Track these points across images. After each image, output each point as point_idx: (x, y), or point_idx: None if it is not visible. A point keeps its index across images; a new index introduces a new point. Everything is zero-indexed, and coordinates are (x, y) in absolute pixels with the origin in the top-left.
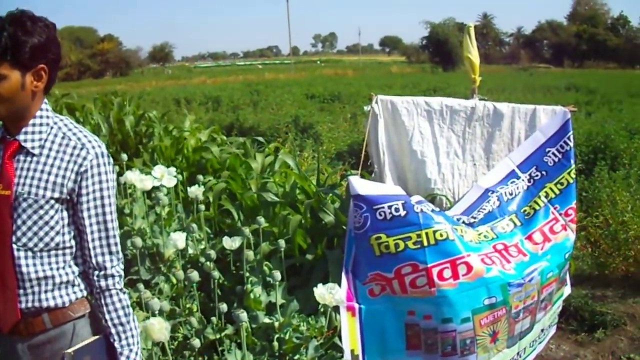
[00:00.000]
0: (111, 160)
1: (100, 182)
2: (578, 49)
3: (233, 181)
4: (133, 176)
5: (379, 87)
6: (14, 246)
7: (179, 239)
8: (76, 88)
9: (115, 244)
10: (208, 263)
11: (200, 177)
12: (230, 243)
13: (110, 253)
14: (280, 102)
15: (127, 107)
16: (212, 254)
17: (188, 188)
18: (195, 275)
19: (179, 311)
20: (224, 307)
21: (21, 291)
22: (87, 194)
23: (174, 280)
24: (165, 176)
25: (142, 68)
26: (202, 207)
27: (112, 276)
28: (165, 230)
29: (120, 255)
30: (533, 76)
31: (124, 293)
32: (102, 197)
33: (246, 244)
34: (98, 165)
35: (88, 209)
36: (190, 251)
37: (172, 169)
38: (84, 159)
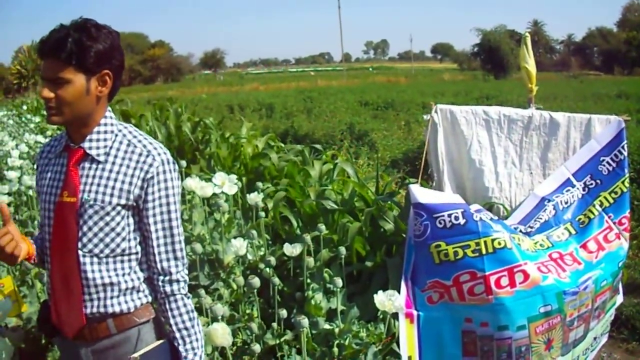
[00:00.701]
0: (176, 167)
1: (167, 188)
2: (628, 55)
3: (292, 189)
4: (193, 183)
5: (432, 95)
6: (80, 252)
7: (239, 245)
8: (127, 94)
9: (181, 250)
10: (267, 269)
11: (259, 184)
12: (291, 250)
13: (176, 258)
14: (334, 109)
15: (183, 113)
16: (272, 260)
17: (248, 195)
18: (256, 281)
19: (238, 317)
20: (283, 313)
21: (86, 297)
22: (153, 200)
23: (234, 286)
24: (226, 183)
25: (193, 74)
26: (262, 214)
27: (177, 281)
28: (224, 236)
29: (185, 260)
30: (583, 83)
31: (189, 298)
32: (168, 204)
33: (306, 251)
34: (164, 172)
35: (154, 215)
36: (250, 257)
37: (233, 176)
38: (150, 165)
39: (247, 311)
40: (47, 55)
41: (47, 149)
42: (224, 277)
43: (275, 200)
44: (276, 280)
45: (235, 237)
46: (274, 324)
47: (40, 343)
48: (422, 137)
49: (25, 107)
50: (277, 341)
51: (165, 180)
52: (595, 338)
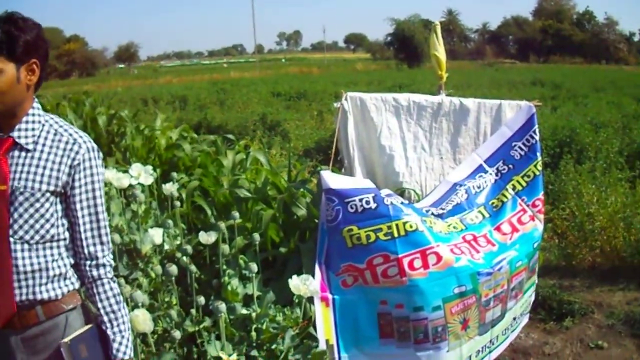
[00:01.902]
0: (101, 155)
1: (92, 175)
2: (544, 44)
3: (205, 178)
4: (110, 175)
5: (345, 85)
6: (11, 239)
7: (156, 234)
8: (43, 89)
9: (106, 234)
10: (184, 258)
11: (174, 174)
12: (207, 238)
13: (102, 243)
14: (247, 100)
15: (98, 106)
16: (189, 249)
17: (163, 185)
18: (174, 269)
19: (157, 305)
20: (201, 300)
21: (16, 284)
22: (80, 186)
23: (153, 275)
24: (142, 174)
25: (108, 68)
26: (178, 203)
27: (104, 265)
28: (142, 226)
29: (111, 245)
30: (499, 72)
31: (115, 282)
32: (93, 190)
33: (221, 239)
34: (90, 159)
35: (80, 201)
36: (167, 247)
37: (149, 167)
38: (77, 153)
39: (166, 299)
40: None
41: None
42: (142, 267)
43: (189, 190)
44: (193, 268)
45: (152, 227)
46: (193, 311)
47: None
48: (334, 127)
49: None
50: (197, 328)
51: (91, 167)
52: (514, 318)
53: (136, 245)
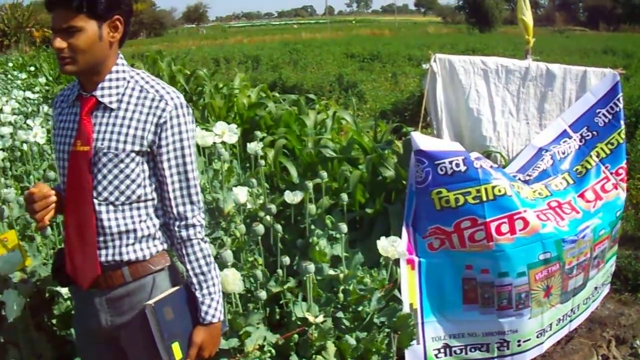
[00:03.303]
0: (190, 110)
1: (180, 132)
2: (614, 12)
3: (291, 137)
4: None
5: (418, 47)
6: (95, 201)
7: (240, 193)
8: None
9: (197, 194)
10: (268, 217)
11: (258, 133)
12: (292, 197)
13: (192, 203)
14: (320, 61)
15: (173, 65)
16: (273, 208)
17: (248, 144)
18: (260, 228)
19: (240, 265)
20: (286, 260)
21: (102, 245)
22: (167, 144)
23: (238, 234)
24: (226, 132)
25: (176, 28)
26: (262, 162)
27: (194, 226)
28: (225, 185)
29: (202, 204)
30: (569, 39)
31: (205, 242)
32: (182, 148)
33: (308, 199)
34: (177, 116)
35: (168, 160)
36: (249, 206)
37: (233, 126)
38: (163, 110)
39: (250, 259)
40: (56, 5)
41: (60, 99)
42: (225, 226)
43: (276, 149)
44: (278, 227)
45: (235, 186)
46: (279, 271)
47: (44, 296)
48: (410, 89)
49: (10, 64)
50: (281, 288)
51: (179, 125)
52: (596, 288)
53: (218, 204)
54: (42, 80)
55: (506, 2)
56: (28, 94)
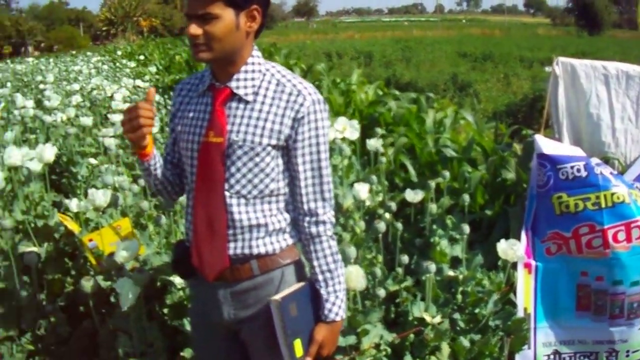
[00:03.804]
0: (326, 107)
1: (317, 128)
2: None
3: (411, 135)
4: None
5: (529, 49)
6: (227, 194)
7: (361, 189)
8: None
9: (329, 191)
10: (387, 215)
11: (379, 130)
12: (413, 196)
13: (323, 199)
14: (433, 59)
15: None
16: (393, 205)
17: (368, 141)
18: (382, 226)
19: (358, 261)
20: (405, 258)
21: (231, 238)
22: (303, 140)
23: (358, 230)
24: (347, 128)
25: (286, 22)
26: (383, 159)
27: (324, 222)
28: (345, 181)
29: (332, 202)
30: None
31: (333, 240)
32: (317, 144)
33: (429, 198)
34: (315, 112)
35: (303, 155)
36: (368, 203)
37: (354, 122)
38: (301, 105)
39: (368, 256)
40: None
41: (186, 87)
42: (343, 222)
43: (397, 147)
44: (399, 225)
45: (353, 183)
46: (399, 269)
47: (156, 285)
48: (523, 91)
49: (119, 53)
50: (398, 287)
51: (316, 120)
52: None
53: (337, 200)
54: (152, 69)
55: (614, 4)
56: (138, 82)
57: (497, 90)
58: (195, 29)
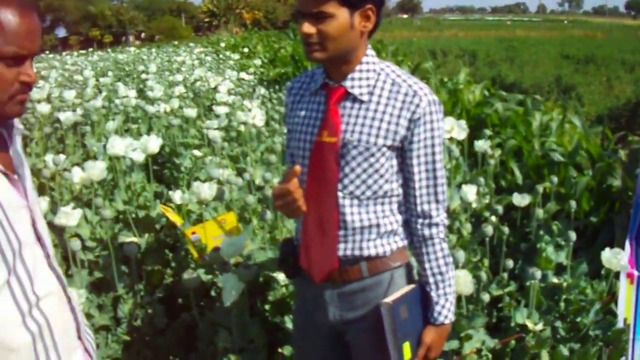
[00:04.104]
0: (441, 107)
1: (432, 129)
2: None
3: (518, 138)
4: None
5: (631, 52)
6: (340, 194)
7: (469, 192)
8: None
9: (442, 193)
10: (493, 218)
11: (486, 131)
12: (520, 200)
13: (437, 201)
14: (537, 60)
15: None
16: (499, 209)
17: (476, 142)
18: (489, 229)
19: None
20: (509, 263)
21: (341, 239)
22: (419, 141)
23: (464, 233)
24: (455, 128)
25: (390, 17)
26: (492, 161)
27: (437, 225)
28: (452, 182)
29: (446, 204)
30: None
31: (445, 242)
32: (432, 145)
33: (536, 203)
34: (430, 113)
35: (418, 157)
36: (474, 205)
37: (462, 122)
38: (417, 106)
39: (473, 259)
40: None
41: (297, 85)
42: (449, 223)
43: (507, 149)
44: (505, 229)
45: (460, 184)
46: (504, 274)
47: (259, 281)
48: (626, 95)
49: (222, 45)
50: (502, 292)
51: (432, 122)
52: None
53: None
54: (257, 62)
55: None
56: (242, 74)
57: (600, 94)
58: (308, 28)
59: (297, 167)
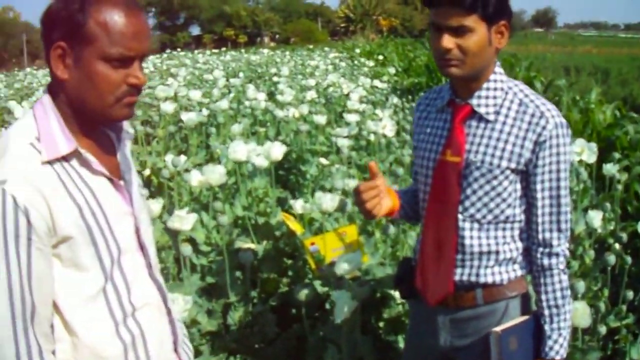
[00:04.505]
0: (569, 131)
1: (558, 154)
2: None
3: None
4: None
5: None
6: (460, 217)
7: (596, 217)
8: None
9: (566, 221)
10: (617, 245)
11: (615, 154)
12: None
13: (559, 230)
14: None
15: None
16: (624, 236)
17: (604, 165)
18: (612, 258)
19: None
20: (630, 294)
21: (459, 263)
22: (544, 165)
23: (587, 260)
24: (585, 151)
25: (525, 31)
26: (619, 187)
27: (557, 255)
28: (579, 205)
29: (568, 233)
30: None
31: (565, 274)
32: (558, 170)
33: None
34: (557, 136)
35: (542, 182)
36: (599, 231)
37: (593, 145)
38: (544, 128)
39: (594, 287)
40: (445, 2)
41: (425, 101)
42: (571, 248)
43: (634, 174)
44: (628, 258)
45: (586, 208)
46: (623, 306)
47: (375, 296)
48: None
49: (357, 51)
50: (619, 324)
51: (558, 145)
52: None
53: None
54: (391, 70)
55: None
56: (376, 82)
57: None
58: (448, 42)
59: (372, 163)
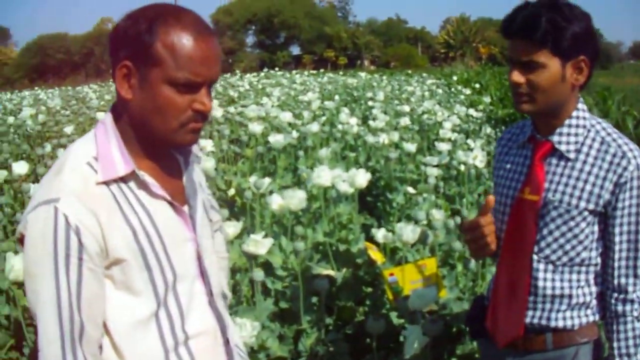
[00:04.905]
0: None
1: (638, 196)
2: None
3: None
4: None
5: None
6: (534, 257)
7: None
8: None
9: None
10: None
11: None
12: None
13: (636, 276)
14: None
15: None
16: None
17: None
18: None
19: None
20: None
21: (530, 305)
22: (623, 208)
23: None
24: None
25: (622, 63)
26: None
27: (632, 301)
28: None
29: None
30: None
31: (639, 322)
32: (637, 214)
33: None
34: (638, 178)
35: (621, 225)
36: None
37: None
38: (625, 169)
39: None
40: (516, 35)
41: (507, 136)
42: None
43: None
44: None
45: None
46: None
47: (451, 332)
48: None
49: (455, 78)
50: None
51: (639, 188)
52: None
53: None
54: (487, 99)
55: None
56: (471, 111)
57: None
58: (518, 76)
59: (491, 197)
